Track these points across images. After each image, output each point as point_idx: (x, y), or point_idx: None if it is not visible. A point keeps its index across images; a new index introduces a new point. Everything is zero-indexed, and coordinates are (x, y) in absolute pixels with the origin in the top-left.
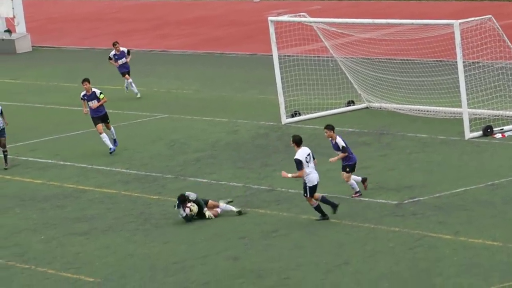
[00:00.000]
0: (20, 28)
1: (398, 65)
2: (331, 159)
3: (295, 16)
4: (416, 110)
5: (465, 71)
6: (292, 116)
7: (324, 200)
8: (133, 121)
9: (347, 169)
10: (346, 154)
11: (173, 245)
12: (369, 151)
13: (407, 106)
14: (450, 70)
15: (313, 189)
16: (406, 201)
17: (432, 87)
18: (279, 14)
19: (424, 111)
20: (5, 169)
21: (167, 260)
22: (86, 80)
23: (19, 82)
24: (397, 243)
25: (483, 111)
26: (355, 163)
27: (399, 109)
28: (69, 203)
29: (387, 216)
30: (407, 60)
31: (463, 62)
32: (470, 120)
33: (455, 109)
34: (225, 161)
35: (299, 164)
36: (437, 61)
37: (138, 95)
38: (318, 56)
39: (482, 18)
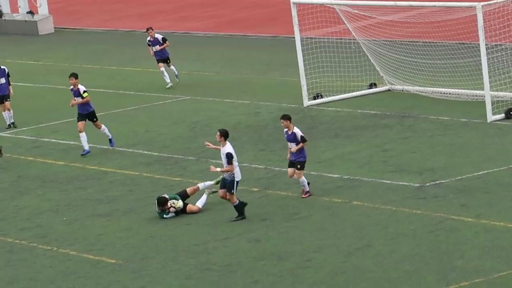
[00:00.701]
0: (43, 9)
1: (421, 47)
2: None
3: None
4: (438, 92)
5: (487, 54)
6: (314, 98)
7: (238, 205)
8: (155, 103)
9: (298, 166)
10: (306, 142)
11: (194, 227)
12: (391, 134)
13: (429, 88)
14: (472, 52)
15: (238, 184)
16: (428, 184)
17: (454, 69)
18: None
19: (447, 93)
20: None
21: (189, 241)
22: (72, 75)
23: (41, 64)
24: (418, 225)
25: (505, 93)
26: (305, 161)
27: (421, 92)
28: (91, 184)
29: (409, 198)
30: (430, 42)
31: (486, 44)
32: (493, 103)
33: (477, 92)
34: (246, 143)
35: (231, 158)
36: (459, 43)
37: (168, 86)
38: (340, 38)
39: (504, 1)
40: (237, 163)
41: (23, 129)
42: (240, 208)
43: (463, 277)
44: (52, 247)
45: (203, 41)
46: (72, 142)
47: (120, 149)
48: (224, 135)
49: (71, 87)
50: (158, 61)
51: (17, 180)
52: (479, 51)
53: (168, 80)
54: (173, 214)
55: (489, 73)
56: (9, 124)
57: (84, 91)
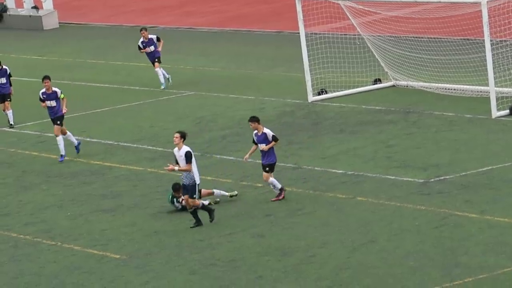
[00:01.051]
0: (47, 4)
1: (425, 43)
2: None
3: None
4: (443, 88)
5: (492, 50)
6: (319, 94)
7: (203, 207)
8: (160, 98)
9: (267, 169)
10: (277, 141)
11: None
12: (396, 129)
13: (434, 84)
14: (477, 48)
15: (199, 187)
16: (432, 180)
17: (459, 65)
18: None
19: (451, 89)
20: None
21: (193, 237)
22: (46, 77)
23: (45, 59)
24: (423, 221)
25: (510, 89)
26: (275, 163)
27: (426, 87)
28: (95, 179)
29: (413, 194)
30: (434, 38)
31: (491, 40)
32: (497, 99)
33: (482, 88)
34: (251, 138)
35: (190, 158)
36: (464, 39)
37: (162, 87)
38: (345, 34)
39: None
40: (196, 165)
41: (27, 124)
42: (206, 207)
43: (467, 273)
44: (56, 242)
45: (207, 37)
46: (77, 137)
47: (125, 144)
48: (183, 136)
49: (43, 90)
50: (154, 62)
51: (21, 175)
52: (484, 47)
53: (162, 81)
54: (180, 206)
55: (494, 69)
56: (11, 124)
57: (61, 92)
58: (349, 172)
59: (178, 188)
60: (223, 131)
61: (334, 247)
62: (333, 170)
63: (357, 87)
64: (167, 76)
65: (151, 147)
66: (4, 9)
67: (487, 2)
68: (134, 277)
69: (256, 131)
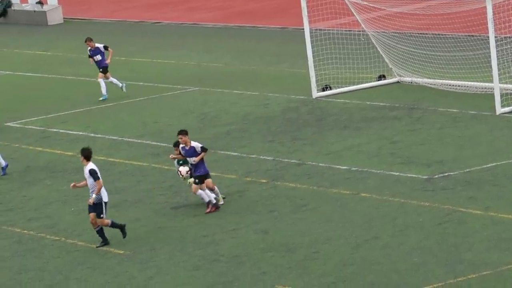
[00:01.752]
0: None
1: (430, 39)
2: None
3: None
4: (447, 84)
5: (497, 46)
6: (323, 90)
7: (113, 224)
8: (164, 93)
9: (196, 181)
10: (207, 151)
11: (202, 218)
12: (400, 126)
13: (438, 80)
14: (481, 44)
15: (106, 205)
16: (436, 176)
17: (463, 61)
18: None
19: (456, 85)
20: None
21: (197, 233)
22: None
23: (50, 54)
24: (426, 218)
25: None
26: (206, 174)
27: (430, 84)
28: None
29: (417, 190)
30: (439, 34)
31: (495, 36)
32: (502, 95)
33: (486, 84)
34: (255, 134)
35: (95, 174)
36: (468, 35)
37: (101, 98)
38: (349, 30)
39: None
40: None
41: (32, 119)
42: (117, 225)
43: (471, 270)
44: (60, 237)
45: (212, 32)
46: (81, 133)
47: (129, 139)
48: (85, 156)
49: None
50: (103, 70)
51: (25, 171)
52: (489, 43)
53: (104, 92)
54: (180, 174)
55: (498, 65)
56: None
57: None
58: (353, 168)
59: (177, 144)
60: (227, 127)
61: (338, 243)
62: (337, 166)
63: (362, 83)
64: (120, 85)
65: (155, 143)
66: (9, 4)
67: None
68: (138, 272)
69: (183, 145)
